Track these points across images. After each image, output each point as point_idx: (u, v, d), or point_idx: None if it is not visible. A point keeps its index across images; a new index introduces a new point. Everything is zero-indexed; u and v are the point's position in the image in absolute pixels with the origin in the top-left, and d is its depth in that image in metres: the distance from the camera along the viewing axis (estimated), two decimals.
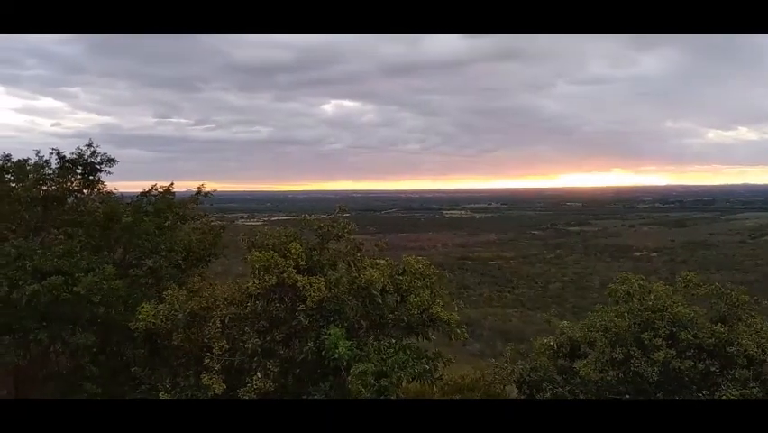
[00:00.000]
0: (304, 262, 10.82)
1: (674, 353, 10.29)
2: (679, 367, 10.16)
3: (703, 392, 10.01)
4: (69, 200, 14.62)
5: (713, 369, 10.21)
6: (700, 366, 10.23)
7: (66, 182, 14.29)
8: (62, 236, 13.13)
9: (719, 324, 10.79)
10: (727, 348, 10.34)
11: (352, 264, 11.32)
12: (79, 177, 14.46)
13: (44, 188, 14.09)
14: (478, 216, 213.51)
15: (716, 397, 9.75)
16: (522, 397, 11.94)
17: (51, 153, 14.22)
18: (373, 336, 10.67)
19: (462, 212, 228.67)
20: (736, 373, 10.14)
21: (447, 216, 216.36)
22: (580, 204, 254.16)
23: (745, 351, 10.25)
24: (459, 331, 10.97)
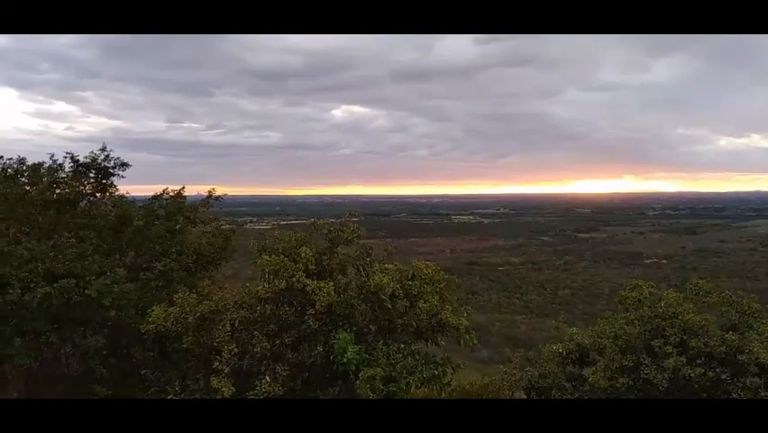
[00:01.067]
0: (313, 267, 10.86)
1: (684, 360, 10.23)
2: (689, 375, 10.09)
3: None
4: (82, 204, 14.75)
5: (723, 377, 10.14)
6: (711, 374, 10.16)
7: (79, 186, 14.42)
8: (74, 239, 13.23)
9: (730, 332, 10.72)
10: (738, 356, 10.27)
11: (361, 269, 11.35)
12: (92, 181, 14.60)
13: (58, 191, 14.22)
14: (486, 221, 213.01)
15: None
16: None
17: (65, 157, 14.38)
18: (382, 341, 10.68)
19: (471, 217, 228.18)
20: (747, 381, 10.07)
21: (456, 221, 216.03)
22: (589, 210, 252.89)
23: (757, 359, 10.17)
24: (468, 337, 10.96)
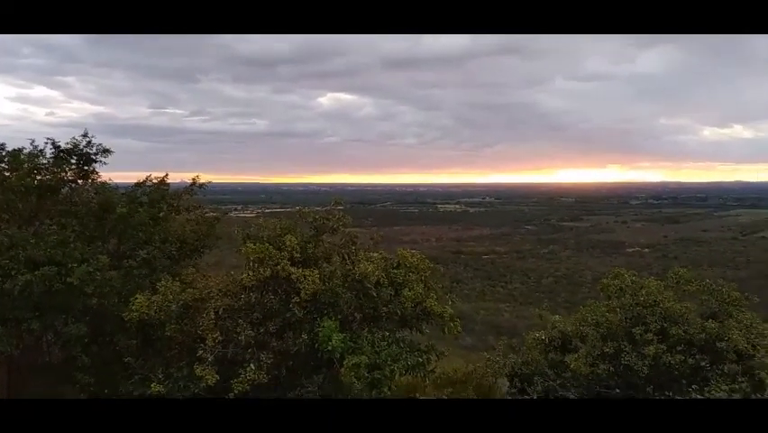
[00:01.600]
0: (298, 255, 10.84)
1: (665, 347, 10.39)
2: (669, 362, 10.26)
3: (693, 387, 10.12)
4: (64, 190, 14.54)
5: (703, 364, 10.32)
6: (690, 361, 10.33)
7: (60, 172, 14.20)
8: (56, 226, 13.04)
9: (710, 320, 10.90)
10: (717, 343, 10.45)
11: (346, 257, 11.35)
12: (74, 167, 14.37)
13: (38, 177, 13.98)
14: (472, 210, 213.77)
15: (705, 391, 9.87)
16: (513, 390, 12.04)
17: (46, 143, 14.14)
18: (367, 329, 10.71)
19: (457, 206, 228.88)
20: (726, 367, 10.26)
21: (441, 210, 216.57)
22: (573, 200, 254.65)
23: (735, 346, 10.36)
24: (452, 325, 11.03)
